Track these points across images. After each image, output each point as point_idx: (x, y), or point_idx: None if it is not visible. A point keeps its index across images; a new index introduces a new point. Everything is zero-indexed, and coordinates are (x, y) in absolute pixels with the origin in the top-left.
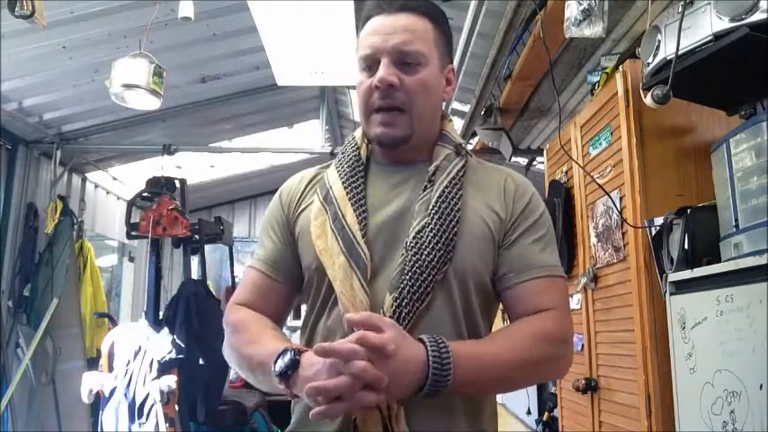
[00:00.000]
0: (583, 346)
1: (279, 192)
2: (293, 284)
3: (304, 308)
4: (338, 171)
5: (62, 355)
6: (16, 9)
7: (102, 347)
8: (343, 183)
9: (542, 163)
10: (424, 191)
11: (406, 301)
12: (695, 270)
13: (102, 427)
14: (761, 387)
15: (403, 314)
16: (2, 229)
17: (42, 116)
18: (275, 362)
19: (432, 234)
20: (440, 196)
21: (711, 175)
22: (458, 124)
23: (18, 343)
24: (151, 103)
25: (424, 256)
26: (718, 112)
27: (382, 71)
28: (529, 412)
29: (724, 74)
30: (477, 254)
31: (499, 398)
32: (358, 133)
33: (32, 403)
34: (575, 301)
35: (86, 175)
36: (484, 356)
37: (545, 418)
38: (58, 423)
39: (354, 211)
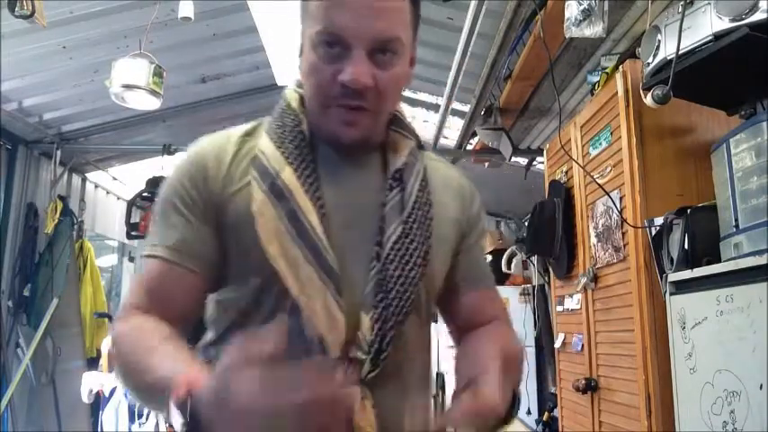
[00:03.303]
0: (583, 346)
1: (188, 163)
2: (211, 275)
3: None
4: (282, 152)
5: (62, 355)
6: (16, 9)
7: (102, 347)
8: (294, 170)
9: (542, 163)
10: (391, 190)
11: (390, 324)
12: (695, 270)
13: (102, 427)
14: (761, 387)
15: (386, 337)
16: (2, 229)
17: (42, 116)
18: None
19: (414, 246)
20: (415, 201)
21: (711, 175)
22: (458, 124)
23: (18, 343)
24: (151, 103)
25: (406, 271)
26: (718, 112)
27: (356, 67)
28: (529, 412)
29: (724, 74)
30: (443, 261)
31: None
32: (292, 97)
33: (32, 403)
34: (575, 301)
35: (86, 175)
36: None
37: (545, 418)
38: (58, 423)
39: (313, 208)
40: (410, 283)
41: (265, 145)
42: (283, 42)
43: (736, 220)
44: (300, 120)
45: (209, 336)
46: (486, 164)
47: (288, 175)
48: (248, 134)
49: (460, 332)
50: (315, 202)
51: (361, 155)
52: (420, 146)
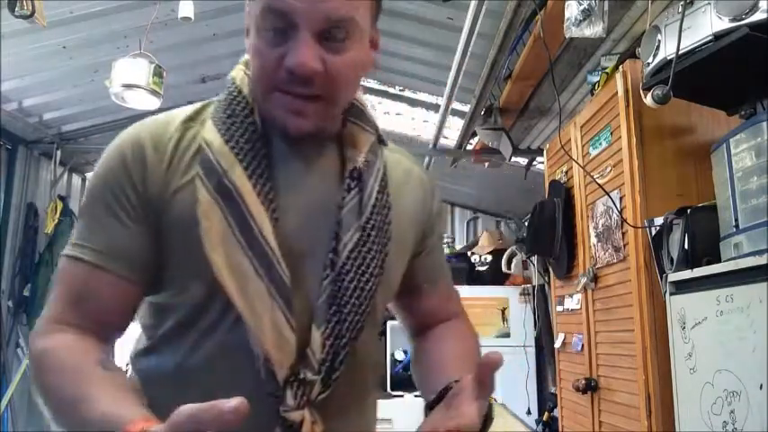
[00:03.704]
0: (583, 346)
1: (121, 155)
2: (146, 280)
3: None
4: (231, 147)
5: None
6: (16, 9)
7: None
8: (245, 168)
9: (542, 163)
10: (349, 191)
11: (344, 341)
12: (695, 270)
13: None
14: (761, 387)
15: (339, 355)
16: (2, 229)
17: (42, 116)
18: None
19: (371, 256)
20: (374, 205)
21: (711, 175)
22: (458, 124)
23: (18, 343)
24: (151, 103)
25: (362, 283)
26: (718, 112)
27: (302, 51)
28: (529, 412)
29: (724, 74)
30: (400, 266)
31: (499, 398)
32: (243, 82)
33: (32, 403)
34: (575, 301)
35: (86, 175)
36: None
37: (545, 418)
38: None
39: (266, 213)
40: (366, 297)
41: (212, 136)
42: None
43: (736, 220)
44: (252, 109)
45: (143, 342)
46: (486, 164)
47: (238, 175)
48: (191, 119)
49: (419, 329)
50: (267, 205)
51: (315, 148)
52: (380, 139)
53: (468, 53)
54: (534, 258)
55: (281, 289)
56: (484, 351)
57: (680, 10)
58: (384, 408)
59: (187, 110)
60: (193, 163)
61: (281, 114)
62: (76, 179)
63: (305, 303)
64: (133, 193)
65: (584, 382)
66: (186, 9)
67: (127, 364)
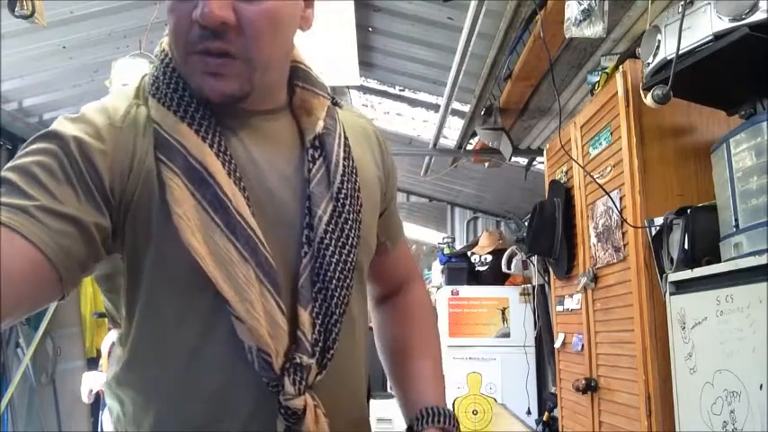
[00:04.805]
0: (583, 346)
1: (70, 137)
2: (69, 277)
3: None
4: (189, 124)
5: (62, 355)
6: (16, 9)
7: (102, 347)
8: (210, 146)
9: (542, 163)
10: (314, 162)
11: (334, 318)
12: (695, 270)
13: (102, 427)
14: (761, 387)
15: (332, 334)
16: None
17: (42, 116)
18: None
19: (348, 226)
20: (343, 173)
21: (711, 175)
22: (458, 124)
23: (18, 343)
24: None
25: (344, 255)
26: (718, 112)
27: (208, 1)
28: (529, 412)
29: (724, 74)
30: (374, 227)
31: (499, 398)
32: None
33: (32, 403)
34: (575, 301)
35: None
36: (441, 381)
37: (545, 418)
38: (58, 423)
39: (240, 193)
40: (350, 269)
41: (162, 114)
42: None
43: (736, 220)
44: None
45: (121, 363)
46: (486, 164)
47: (206, 155)
48: (136, 97)
49: (382, 293)
50: (238, 184)
51: (267, 119)
52: (334, 102)
53: (468, 53)
54: (534, 258)
55: (268, 273)
56: (484, 352)
57: (680, 10)
58: (384, 408)
59: (126, 91)
60: (149, 144)
61: (198, 78)
62: None
63: (286, 284)
64: (89, 174)
65: (584, 382)
66: None
67: (108, 388)
